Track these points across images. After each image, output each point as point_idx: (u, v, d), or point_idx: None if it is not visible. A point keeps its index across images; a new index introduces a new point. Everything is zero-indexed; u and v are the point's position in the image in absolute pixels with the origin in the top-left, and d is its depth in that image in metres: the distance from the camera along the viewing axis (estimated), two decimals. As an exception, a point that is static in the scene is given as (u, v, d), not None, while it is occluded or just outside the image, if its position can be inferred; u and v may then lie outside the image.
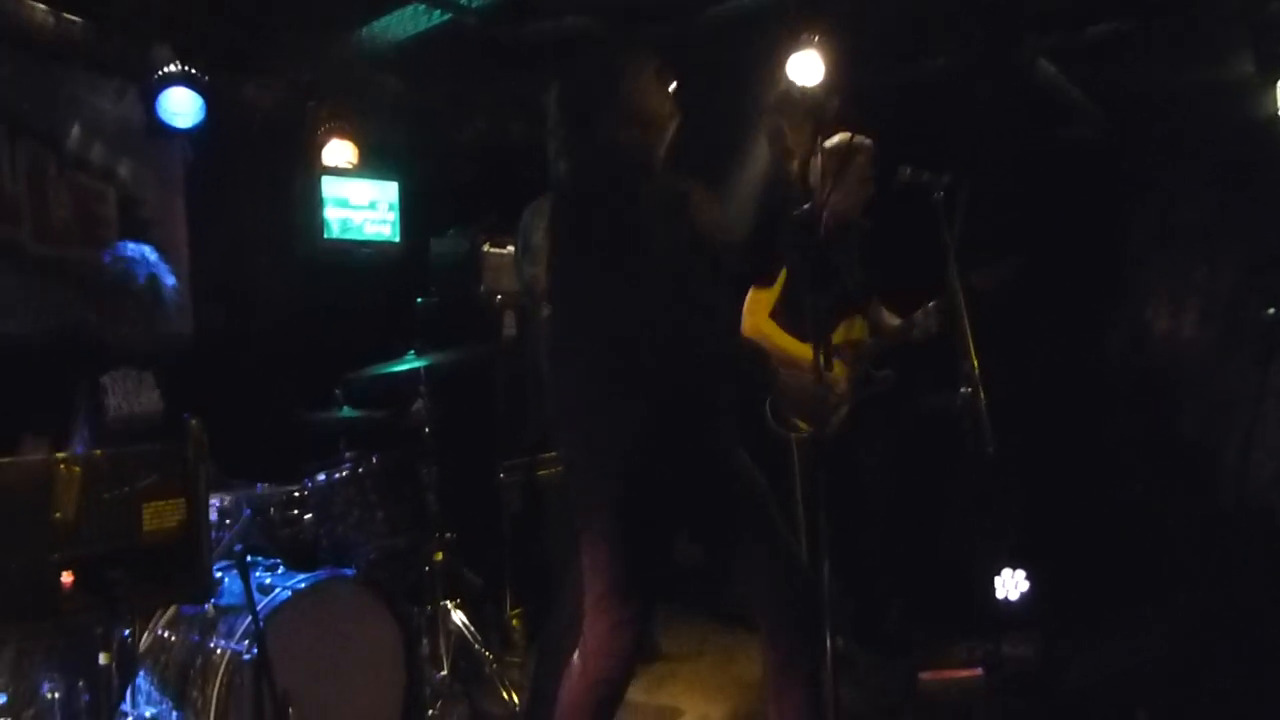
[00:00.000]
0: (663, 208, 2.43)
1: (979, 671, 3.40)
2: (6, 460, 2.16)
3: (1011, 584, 3.54)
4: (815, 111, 2.46)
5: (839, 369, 3.83)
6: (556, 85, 2.56)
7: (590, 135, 2.49)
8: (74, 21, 3.85)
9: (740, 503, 2.47)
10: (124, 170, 4.36)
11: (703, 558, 2.64)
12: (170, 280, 3.51)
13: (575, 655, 2.48)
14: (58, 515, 1.85)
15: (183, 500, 2.03)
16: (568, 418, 2.52)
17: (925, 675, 3.60)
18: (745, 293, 3.71)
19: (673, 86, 2.51)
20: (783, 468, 3.83)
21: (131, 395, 3.45)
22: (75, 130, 4.15)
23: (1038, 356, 4.80)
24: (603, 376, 2.41)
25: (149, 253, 3.49)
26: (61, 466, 1.88)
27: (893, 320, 4.06)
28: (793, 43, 3.99)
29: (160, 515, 2.01)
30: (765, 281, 3.64)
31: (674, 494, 2.41)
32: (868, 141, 3.73)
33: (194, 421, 2.08)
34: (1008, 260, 3.78)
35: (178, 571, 2.05)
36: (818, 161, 2.93)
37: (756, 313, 3.78)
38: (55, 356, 3.38)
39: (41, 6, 3.73)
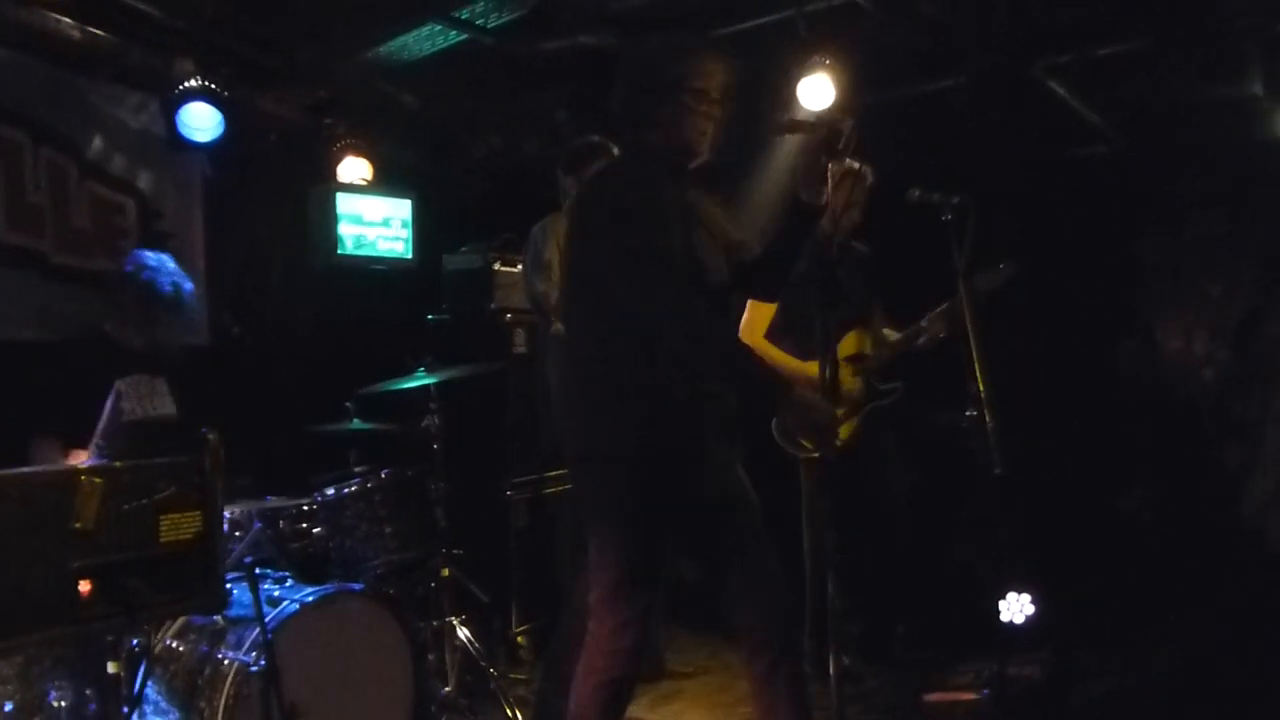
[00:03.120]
0: (682, 216, 2.46)
1: (984, 693, 3.40)
2: (30, 470, 2.19)
3: (1017, 607, 3.54)
4: (829, 134, 2.46)
5: (847, 380, 3.83)
6: (622, 64, 2.59)
7: (633, 129, 2.53)
8: (99, 34, 3.90)
9: (730, 519, 2.49)
10: (144, 182, 4.39)
11: (701, 573, 2.66)
12: (188, 285, 3.59)
13: (581, 657, 2.49)
14: (78, 524, 1.88)
15: (199, 512, 2.06)
16: (583, 414, 2.53)
17: (931, 696, 3.60)
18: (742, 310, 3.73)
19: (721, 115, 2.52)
20: (789, 486, 3.85)
21: (145, 400, 3.50)
22: (97, 141, 4.18)
23: (1047, 375, 4.80)
24: (619, 375, 2.43)
25: (167, 260, 3.56)
26: (83, 477, 1.91)
27: (893, 335, 4.07)
28: (803, 65, 4.02)
29: (177, 526, 2.04)
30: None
31: (677, 498, 2.44)
32: (857, 165, 3.74)
33: (211, 435, 2.11)
34: (1005, 263, 3.79)
35: (193, 582, 2.07)
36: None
37: (754, 331, 3.80)
38: (70, 362, 3.42)
39: (68, 20, 3.79)
